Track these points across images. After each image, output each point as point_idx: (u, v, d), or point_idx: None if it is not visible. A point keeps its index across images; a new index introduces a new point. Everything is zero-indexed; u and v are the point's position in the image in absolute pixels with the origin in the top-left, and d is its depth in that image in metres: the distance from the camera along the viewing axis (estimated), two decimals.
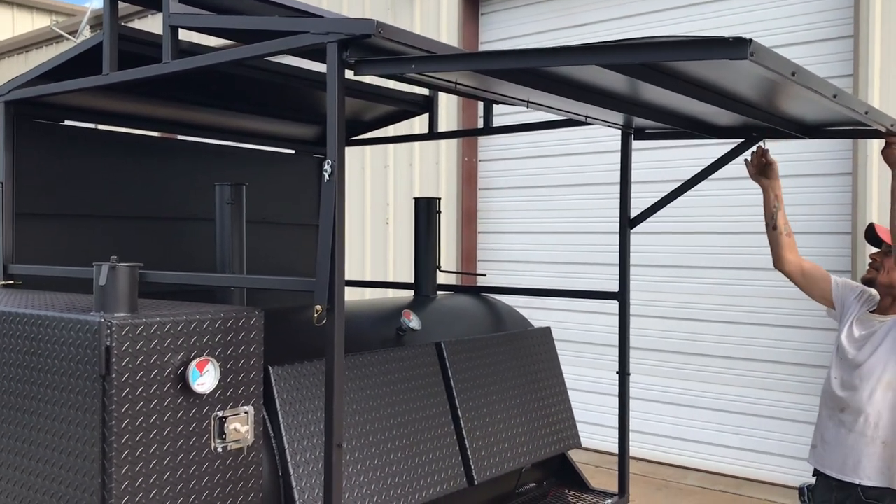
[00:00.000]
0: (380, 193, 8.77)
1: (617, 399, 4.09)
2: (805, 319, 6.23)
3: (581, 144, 7.51)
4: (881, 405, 3.30)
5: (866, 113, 2.83)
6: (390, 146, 8.63)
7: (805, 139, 3.52)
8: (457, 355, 3.59)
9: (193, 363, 2.45)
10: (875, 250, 3.52)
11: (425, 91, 4.69)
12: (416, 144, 8.43)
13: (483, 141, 8.32)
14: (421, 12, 8.53)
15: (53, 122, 3.82)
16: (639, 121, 3.72)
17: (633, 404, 6.91)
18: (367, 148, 8.79)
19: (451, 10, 8.26)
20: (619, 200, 4.01)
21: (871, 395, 3.31)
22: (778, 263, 3.65)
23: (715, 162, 3.71)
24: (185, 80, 3.87)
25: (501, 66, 2.24)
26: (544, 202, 7.83)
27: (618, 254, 4.01)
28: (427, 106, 4.63)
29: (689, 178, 3.79)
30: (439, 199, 4.26)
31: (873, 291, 3.49)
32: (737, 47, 1.87)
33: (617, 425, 4.09)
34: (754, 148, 3.65)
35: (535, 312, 7.56)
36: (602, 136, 7.23)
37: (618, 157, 4.27)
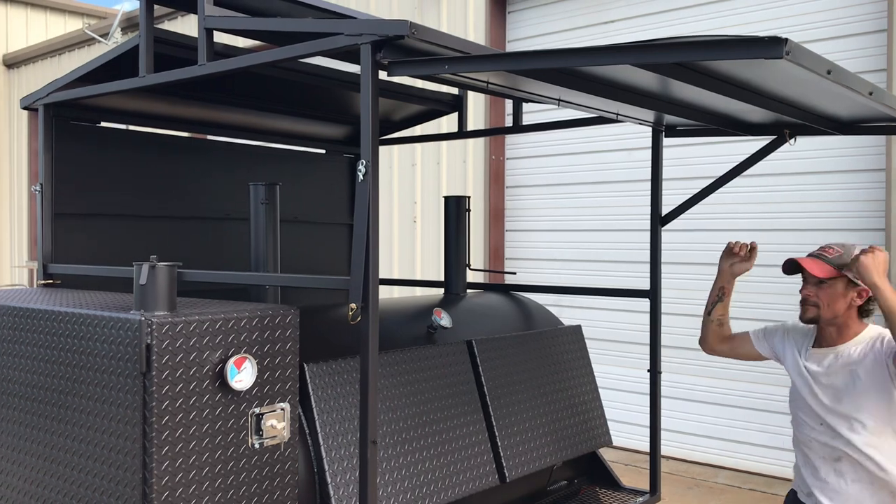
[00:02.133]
0: (407, 192, 8.80)
1: (647, 397, 4.08)
2: None
3: (610, 141, 7.49)
4: (875, 447, 2.90)
5: None
6: (417, 145, 8.65)
7: (839, 136, 3.49)
8: (488, 353, 3.61)
9: (231, 360, 2.49)
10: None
11: (454, 90, 4.71)
12: (444, 143, 8.44)
13: (510, 139, 8.32)
14: (448, 11, 8.54)
15: (90, 124, 3.88)
16: (670, 118, 3.71)
17: (663, 402, 6.90)
18: (395, 147, 8.82)
19: (477, 9, 8.26)
20: (649, 197, 3.99)
21: (854, 434, 2.92)
22: (701, 343, 3.42)
23: (747, 159, 3.69)
24: (217, 81, 3.92)
25: (534, 65, 2.25)
26: (573, 199, 7.81)
27: (648, 251, 4.00)
28: (456, 105, 4.64)
29: (720, 174, 3.77)
30: (469, 197, 4.27)
31: (801, 325, 3.16)
32: (772, 46, 1.86)
33: (648, 424, 4.08)
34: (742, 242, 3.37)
35: (564, 311, 7.56)
36: (631, 133, 7.20)
37: (647, 153, 4.26)
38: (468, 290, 4.35)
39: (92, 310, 2.53)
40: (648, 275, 4.01)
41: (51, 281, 3.63)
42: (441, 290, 4.45)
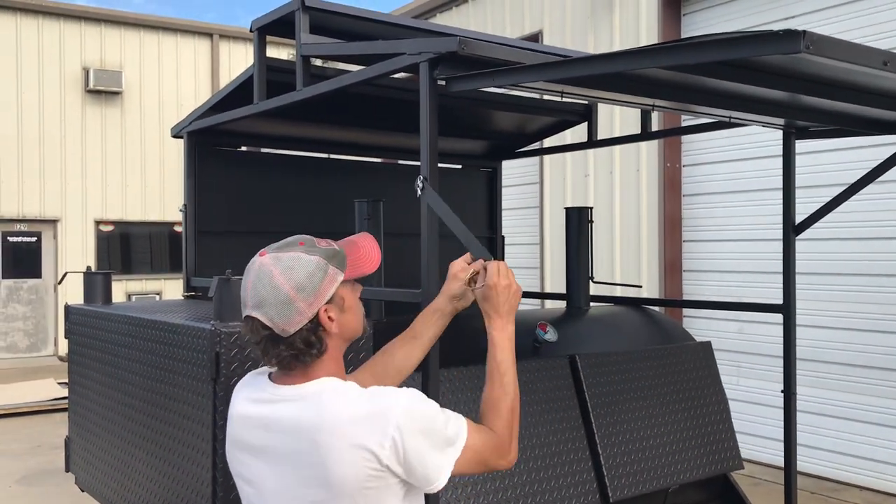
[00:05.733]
0: (580, 203, 8.68)
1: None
2: None
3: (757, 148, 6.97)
4: None
5: None
6: (590, 153, 8.53)
7: None
8: (593, 369, 3.50)
9: None
10: None
11: (584, 100, 4.62)
12: (617, 150, 8.27)
13: (687, 145, 7.98)
14: (620, 17, 8.37)
15: (228, 149, 4.22)
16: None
17: (818, 420, 6.29)
18: (568, 157, 8.75)
19: (650, 13, 8.02)
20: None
21: None
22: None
23: (884, 162, 3.33)
24: (353, 103, 4.05)
25: (567, 74, 2.20)
26: (759, 207, 7.30)
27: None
28: (587, 115, 4.56)
29: (855, 180, 3.43)
30: (591, 208, 4.17)
31: None
32: (788, 41, 1.70)
33: (781, 438, 3.77)
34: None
35: (721, 323, 7.10)
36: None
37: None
38: (591, 304, 4.24)
39: (178, 319, 2.77)
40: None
41: (192, 294, 3.99)
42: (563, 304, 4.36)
